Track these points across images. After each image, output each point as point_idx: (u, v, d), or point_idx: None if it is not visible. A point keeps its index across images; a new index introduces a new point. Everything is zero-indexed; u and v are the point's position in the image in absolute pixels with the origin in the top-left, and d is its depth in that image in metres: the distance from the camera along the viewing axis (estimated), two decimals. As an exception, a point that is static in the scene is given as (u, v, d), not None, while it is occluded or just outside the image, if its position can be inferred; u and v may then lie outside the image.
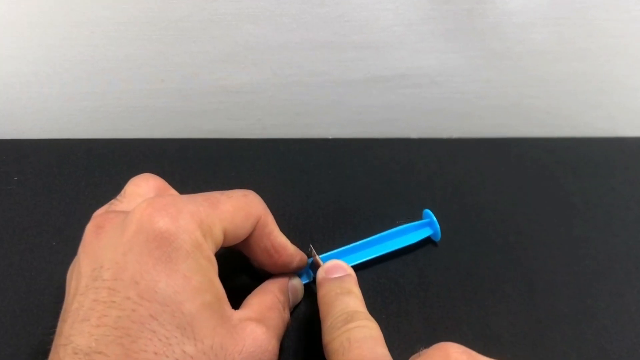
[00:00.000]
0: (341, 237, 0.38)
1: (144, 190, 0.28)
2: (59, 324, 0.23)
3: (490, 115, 0.49)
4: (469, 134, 0.48)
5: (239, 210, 0.26)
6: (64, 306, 0.24)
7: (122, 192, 0.29)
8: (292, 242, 0.34)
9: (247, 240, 0.28)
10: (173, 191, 0.30)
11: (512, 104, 0.48)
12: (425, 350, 0.23)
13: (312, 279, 0.33)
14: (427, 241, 0.38)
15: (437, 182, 0.42)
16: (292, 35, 0.42)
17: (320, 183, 0.42)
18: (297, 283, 0.33)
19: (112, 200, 0.28)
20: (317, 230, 0.38)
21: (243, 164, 0.43)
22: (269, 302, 0.28)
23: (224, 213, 0.26)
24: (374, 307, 0.33)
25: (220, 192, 0.27)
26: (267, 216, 0.29)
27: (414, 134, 0.47)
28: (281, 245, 0.30)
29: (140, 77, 0.44)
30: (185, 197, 0.25)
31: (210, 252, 0.24)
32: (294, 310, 0.33)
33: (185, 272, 0.23)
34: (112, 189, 0.29)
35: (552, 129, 0.49)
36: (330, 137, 0.46)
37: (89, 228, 0.25)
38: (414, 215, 0.39)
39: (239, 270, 0.34)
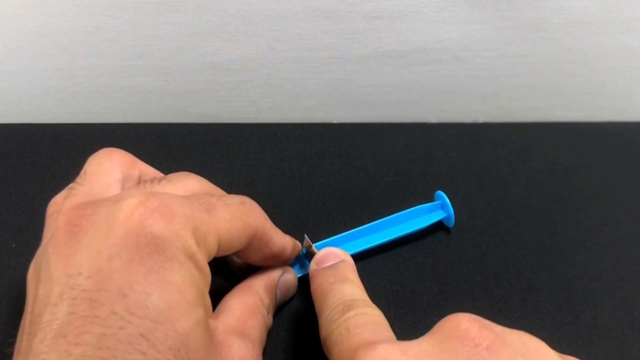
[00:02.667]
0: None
1: (107, 168, 0.28)
2: (24, 337, 0.22)
3: (522, 96, 0.48)
4: (497, 117, 0.48)
5: (237, 219, 0.27)
6: (29, 316, 0.23)
7: (82, 172, 0.28)
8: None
9: (242, 251, 0.28)
10: (143, 166, 0.30)
11: (548, 83, 0.48)
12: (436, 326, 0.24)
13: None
14: (447, 242, 0.38)
15: (460, 173, 0.42)
16: (292, 3, 0.42)
17: (324, 175, 0.42)
18: (290, 278, 0.33)
19: (72, 184, 0.28)
20: (320, 229, 0.38)
21: (234, 153, 0.43)
22: (251, 305, 0.29)
23: (221, 222, 0.26)
24: (385, 318, 0.33)
25: (216, 196, 0.27)
26: (266, 225, 0.29)
27: (433, 118, 0.47)
28: (281, 248, 0.30)
29: (114, 52, 0.44)
30: (179, 197, 0.25)
31: (203, 261, 0.24)
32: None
33: (180, 284, 0.22)
34: (81, 181, 0.29)
35: (594, 112, 0.49)
36: (335, 121, 0.46)
37: (61, 225, 0.24)
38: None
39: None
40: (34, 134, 0.44)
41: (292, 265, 0.33)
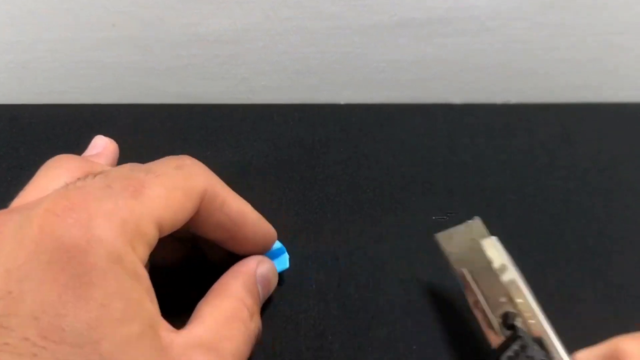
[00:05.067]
0: (356, 237, 0.38)
1: (53, 174, 0.28)
2: None
3: (562, 73, 0.48)
4: (532, 98, 0.48)
5: (174, 190, 0.26)
6: None
7: (27, 185, 0.28)
8: (290, 244, 0.34)
9: (192, 221, 0.28)
10: (99, 168, 0.30)
11: (592, 58, 0.48)
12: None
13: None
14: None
15: (488, 162, 0.42)
16: (291, -38, 0.42)
17: (329, 165, 0.42)
18: (267, 268, 0.32)
19: (15, 199, 0.28)
20: (323, 228, 0.38)
21: (223, 140, 0.43)
22: (227, 310, 0.28)
23: (154, 201, 0.25)
24: (401, 332, 0.33)
25: (145, 168, 0.27)
26: (215, 185, 0.28)
27: (456, 99, 0.47)
28: (240, 213, 0.30)
29: (83, 21, 0.44)
30: (97, 189, 0.24)
31: (136, 263, 0.24)
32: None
33: (101, 299, 0.22)
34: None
35: (646, 93, 0.49)
36: (342, 102, 0.46)
37: None
38: (457, 208, 0.38)
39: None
40: (-11, 117, 0.44)
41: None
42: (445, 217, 0.38)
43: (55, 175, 0.28)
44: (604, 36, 0.46)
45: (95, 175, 0.26)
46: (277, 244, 0.34)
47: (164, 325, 0.25)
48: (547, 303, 0.35)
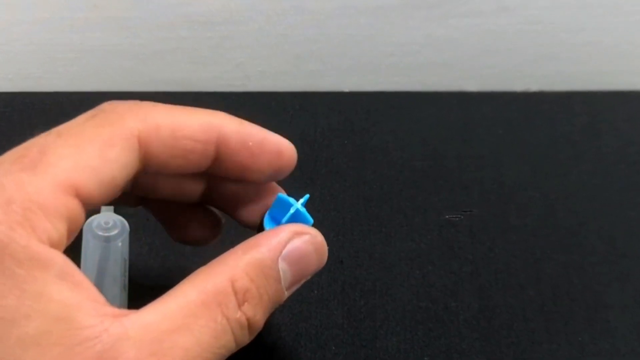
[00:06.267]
0: (362, 238, 0.38)
1: None
2: None
3: (587, 57, 0.48)
4: (554, 85, 0.48)
5: (86, 144, 0.24)
6: None
7: None
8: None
9: (154, 167, 0.26)
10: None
11: (621, 42, 0.48)
12: None
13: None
14: (491, 245, 0.38)
15: (506, 155, 0.42)
16: None
17: (332, 158, 0.42)
18: (305, 242, 0.28)
19: None
20: (325, 228, 0.37)
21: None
22: (205, 293, 0.24)
23: (56, 165, 0.23)
24: (411, 342, 0.33)
25: (52, 131, 0.25)
26: (156, 115, 0.26)
27: (472, 86, 0.47)
28: (202, 130, 0.27)
29: (61, 0, 0.44)
30: None
31: (31, 247, 0.22)
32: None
33: None
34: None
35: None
36: (346, 90, 0.46)
37: None
38: (472, 206, 0.39)
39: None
40: (-42, 106, 0.44)
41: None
42: (459, 216, 0.38)
43: None
44: (635, 16, 0.46)
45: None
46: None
47: (92, 312, 0.23)
48: (570, 309, 0.35)
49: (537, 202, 0.40)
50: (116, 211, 0.36)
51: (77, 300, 0.22)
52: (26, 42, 0.46)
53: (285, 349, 0.34)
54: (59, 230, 0.23)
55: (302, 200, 0.29)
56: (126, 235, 0.36)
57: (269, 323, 0.34)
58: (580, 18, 0.46)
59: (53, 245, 0.23)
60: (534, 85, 0.48)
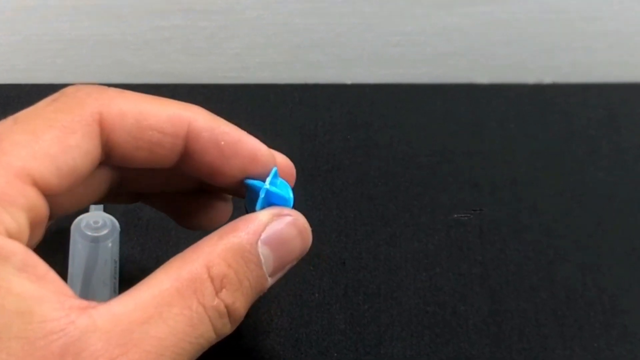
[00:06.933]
0: (366, 238, 0.38)
1: None
2: None
3: (605, 47, 0.48)
4: (570, 77, 0.47)
5: (47, 129, 0.24)
6: None
7: None
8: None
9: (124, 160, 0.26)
10: None
11: (640, 30, 0.48)
12: None
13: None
14: (502, 246, 0.38)
15: (520, 152, 0.42)
16: None
17: (335, 153, 0.42)
18: (288, 224, 0.27)
19: None
20: (327, 227, 0.38)
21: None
22: (180, 280, 0.24)
23: (10, 153, 0.23)
24: (418, 348, 0.33)
25: (12, 118, 0.25)
26: (115, 105, 0.26)
27: (483, 78, 0.47)
28: (166, 119, 0.27)
29: (47, -14, 0.44)
30: None
31: None
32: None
33: None
34: None
35: None
36: (349, 82, 0.46)
37: None
38: (483, 204, 0.39)
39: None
40: (-62, 99, 0.44)
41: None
42: (469, 215, 0.38)
43: None
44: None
45: None
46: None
47: (56, 305, 0.22)
48: (585, 313, 0.35)
49: (551, 201, 0.40)
50: (106, 210, 0.36)
51: (40, 293, 0.22)
52: (10, 32, 0.46)
53: (284, 356, 0.33)
54: (18, 221, 0.23)
55: (269, 179, 0.28)
56: (117, 236, 0.36)
57: (267, 328, 0.34)
58: (596, 5, 0.46)
59: (12, 236, 0.23)
60: (547, 77, 0.47)
